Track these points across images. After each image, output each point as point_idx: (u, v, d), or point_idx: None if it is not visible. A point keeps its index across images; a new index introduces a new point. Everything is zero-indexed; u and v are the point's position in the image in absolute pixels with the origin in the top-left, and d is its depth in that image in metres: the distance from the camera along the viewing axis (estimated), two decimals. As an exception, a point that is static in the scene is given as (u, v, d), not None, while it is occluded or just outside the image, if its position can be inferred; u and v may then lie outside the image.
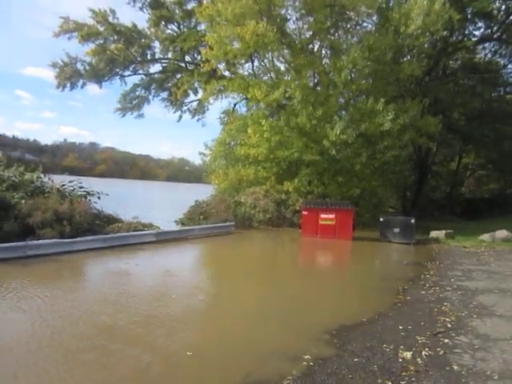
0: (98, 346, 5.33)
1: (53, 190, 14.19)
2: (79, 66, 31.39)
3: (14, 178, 13.86)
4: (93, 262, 11.13)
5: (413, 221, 17.31)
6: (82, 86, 32.67)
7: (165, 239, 14.48)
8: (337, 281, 10.65)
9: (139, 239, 13.47)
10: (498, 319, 7.01)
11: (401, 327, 6.47)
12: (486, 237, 17.99)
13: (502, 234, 17.94)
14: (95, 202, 15.33)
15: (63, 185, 15.08)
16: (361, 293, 9.14)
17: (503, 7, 26.65)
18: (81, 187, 15.49)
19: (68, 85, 31.88)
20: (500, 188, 39.69)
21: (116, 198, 21.96)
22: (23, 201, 12.33)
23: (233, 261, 13.00)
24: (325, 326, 6.44)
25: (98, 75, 32.17)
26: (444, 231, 19.04)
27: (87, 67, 31.49)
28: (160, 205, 35.36)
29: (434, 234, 19.22)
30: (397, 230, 17.29)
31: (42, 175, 15.17)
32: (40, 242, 10.67)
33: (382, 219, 17.95)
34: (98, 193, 15.79)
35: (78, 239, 11.50)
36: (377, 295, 8.87)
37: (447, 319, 6.92)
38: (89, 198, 15.31)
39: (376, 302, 8.15)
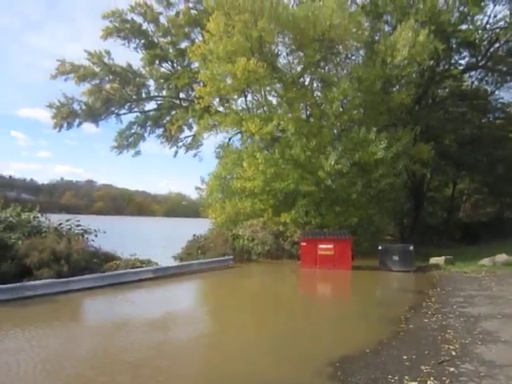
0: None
1: (50, 229, 14.16)
2: (76, 106, 32.04)
3: (11, 219, 13.82)
4: (89, 303, 10.99)
5: (411, 248, 17.28)
6: (79, 125, 33.30)
7: (163, 275, 14.33)
8: (338, 312, 10.51)
9: (137, 276, 13.33)
10: (503, 345, 6.92)
11: (405, 357, 6.37)
12: (486, 261, 17.91)
13: (501, 257, 17.87)
14: (92, 240, 15.25)
15: (60, 224, 15.03)
16: (363, 323, 9.02)
17: (486, 36, 27.51)
18: (78, 225, 15.43)
19: (65, 125, 32.35)
20: (497, 211, 39.78)
21: (114, 235, 21.88)
22: (20, 241, 12.28)
23: (232, 296, 12.83)
24: (327, 358, 6.34)
25: (95, 114, 32.75)
26: (444, 257, 18.94)
27: (83, 107, 32.10)
28: (158, 240, 35.18)
29: (433, 260, 19.13)
30: (396, 257, 17.22)
31: (38, 215, 15.16)
32: (37, 282, 10.55)
33: (380, 247, 17.91)
34: (95, 230, 15.73)
35: (75, 278, 11.39)
36: (379, 325, 8.74)
37: (451, 347, 6.83)
38: (86, 235, 15.26)
39: (379, 332, 8.03)
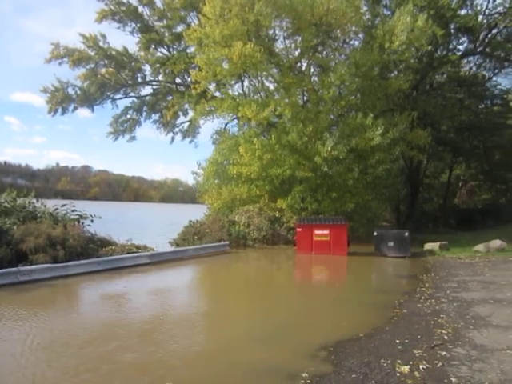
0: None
1: (45, 214, 14.12)
2: (70, 90, 31.58)
3: (6, 204, 13.78)
4: (85, 287, 10.99)
5: (407, 234, 17.37)
6: (74, 111, 32.85)
7: (159, 261, 14.38)
8: (332, 297, 10.57)
9: (133, 261, 13.38)
10: (495, 329, 6.99)
11: (398, 341, 6.43)
12: (480, 247, 18.05)
13: (495, 243, 18.03)
14: (88, 225, 15.21)
15: (56, 209, 14.99)
16: (357, 308, 9.09)
17: (485, 22, 27.29)
18: (73, 211, 15.39)
19: (59, 109, 31.99)
20: (492, 198, 40.00)
21: (110, 220, 21.87)
22: (15, 226, 12.25)
23: (228, 281, 12.94)
24: (321, 342, 6.40)
25: (90, 99, 32.36)
26: (438, 243, 19.10)
27: (78, 91, 31.67)
28: (154, 226, 35.25)
29: (428, 246, 19.28)
30: (391, 243, 17.33)
31: (34, 200, 15.09)
32: (32, 267, 10.58)
33: (376, 233, 18.00)
34: (91, 216, 15.71)
35: (71, 263, 11.42)
36: (373, 310, 8.82)
37: (444, 331, 6.90)
38: (82, 221, 15.23)
39: (372, 317, 8.11)
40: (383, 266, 16.11)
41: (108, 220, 19.48)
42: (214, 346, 6.58)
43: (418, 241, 20.19)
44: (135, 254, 13.97)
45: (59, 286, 10.37)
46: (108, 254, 13.80)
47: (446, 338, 6.58)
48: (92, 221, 15.53)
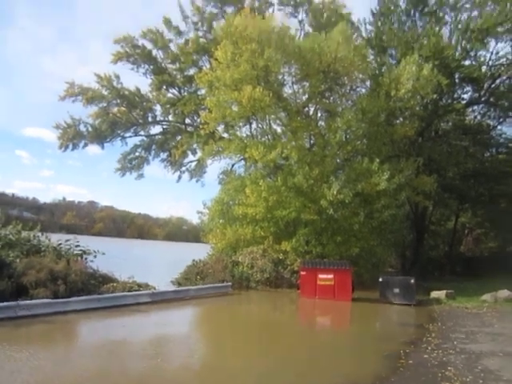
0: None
1: (49, 248, 14.11)
2: (82, 127, 32.30)
3: (10, 237, 13.79)
4: (84, 325, 10.81)
5: (412, 281, 17.05)
6: (84, 147, 33.58)
7: (160, 300, 14.15)
8: (336, 344, 10.27)
9: (134, 300, 13.20)
10: (505, 384, 6.75)
11: (404, 394, 6.21)
12: (487, 297, 17.64)
13: (503, 293, 17.61)
14: (91, 261, 15.14)
15: (60, 243, 14.99)
16: (361, 357, 8.85)
17: (488, 72, 27.97)
18: (77, 246, 15.37)
19: (70, 145, 32.60)
20: (499, 246, 39.45)
21: (113, 257, 21.71)
22: (18, 259, 12.21)
23: (229, 326, 12.59)
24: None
25: (100, 136, 33.05)
26: (445, 291, 18.71)
27: (90, 129, 32.37)
28: (157, 264, 34.94)
29: (434, 294, 18.88)
30: (397, 290, 16.98)
31: (39, 234, 15.12)
32: (32, 302, 10.45)
33: (381, 279, 17.68)
34: (95, 251, 15.66)
35: (71, 299, 11.26)
36: (378, 359, 8.54)
37: (452, 385, 6.66)
38: (85, 256, 15.18)
39: (377, 367, 7.85)
40: (388, 313, 15.75)
41: (111, 256, 19.34)
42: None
43: (424, 288, 19.81)
44: (136, 293, 13.79)
45: (57, 323, 10.17)
46: (109, 290, 13.62)
47: (453, 392, 6.34)
48: (95, 256, 15.48)
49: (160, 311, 13.19)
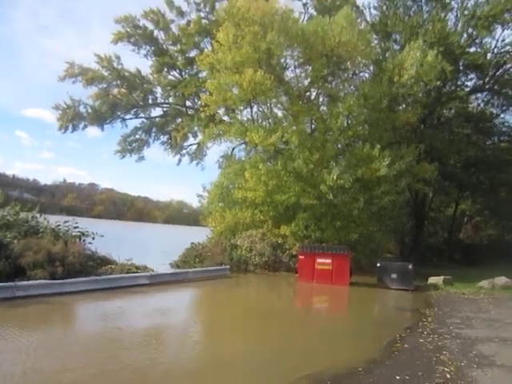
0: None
1: (47, 230, 14.09)
2: (82, 108, 32.01)
3: (8, 217, 13.77)
4: (81, 305, 10.86)
5: (410, 266, 17.11)
6: (84, 128, 33.33)
7: (158, 282, 14.19)
8: (332, 329, 10.31)
9: (132, 282, 13.22)
10: (499, 369, 6.78)
11: (398, 377, 6.22)
12: (485, 283, 17.74)
13: (501, 280, 17.71)
14: (89, 243, 15.15)
15: (58, 225, 14.97)
16: (357, 341, 8.88)
17: (493, 60, 27.64)
18: (75, 227, 15.37)
19: (70, 127, 32.38)
20: (498, 234, 39.55)
21: (112, 239, 21.77)
22: (16, 240, 12.20)
23: (225, 307, 12.66)
24: (319, 375, 6.21)
25: (100, 118, 32.79)
26: (442, 277, 18.80)
27: (90, 110, 32.11)
28: (156, 247, 35.04)
29: (432, 280, 18.97)
30: (394, 275, 17.06)
31: (37, 215, 15.09)
32: (29, 282, 10.47)
33: (379, 264, 17.74)
34: (93, 233, 15.68)
35: (69, 280, 11.28)
36: (374, 343, 8.59)
37: (446, 369, 6.68)
38: (83, 238, 15.19)
39: (373, 351, 7.88)
40: (385, 298, 15.82)
41: (110, 238, 19.37)
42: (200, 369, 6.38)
43: (422, 274, 19.87)
44: (134, 274, 13.82)
45: (53, 303, 10.18)
46: (107, 272, 13.65)
47: (448, 376, 6.37)
48: (93, 238, 15.50)
49: (158, 293, 13.21)
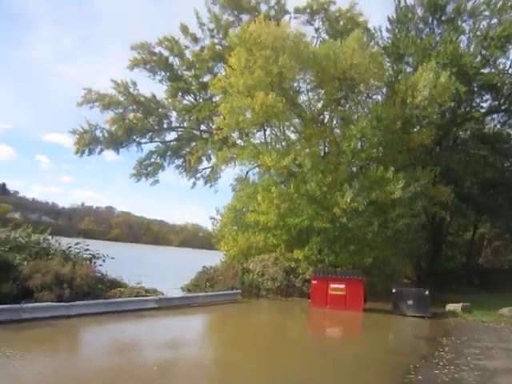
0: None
1: (57, 251, 14.09)
2: (98, 133, 32.56)
3: (20, 239, 13.83)
4: (87, 329, 10.69)
5: (427, 292, 16.57)
6: (100, 153, 33.70)
7: (167, 306, 13.97)
8: (344, 358, 9.89)
9: (140, 305, 13.03)
10: (519, 404, 6.35)
11: (410, 411, 5.87)
12: (505, 311, 17.03)
13: (522, 308, 16.99)
14: (100, 265, 15.09)
15: (69, 247, 14.97)
16: (369, 371, 8.48)
17: (508, 80, 27.36)
18: (86, 250, 15.36)
19: (86, 151, 32.89)
20: (519, 258, 38.38)
21: (125, 262, 21.71)
22: (25, 262, 12.19)
23: (235, 335, 12.23)
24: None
25: (116, 142, 33.29)
26: (461, 304, 18.11)
27: (106, 134, 32.66)
28: (170, 270, 34.81)
29: (450, 306, 18.29)
30: (410, 301, 16.51)
31: (49, 237, 15.15)
32: (35, 305, 10.38)
33: (394, 290, 17.22)
34: (104, 256, 15.63)
35: (76, 303, 11.15)
36: (386, 373, 8.22)
37: (462, 404, 6.29)
38: (94, 260, 15.15)
39: (384, 382, 7.52)
40: (401, 325, 15.30)
41: (124, 261, 19.32)
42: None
43: (440, 300, 19.19)
44: (142, 298, 13.63)
45: (58, 327, 10.05)
46: (116, 295, 13.51)
47: (463, 411, 5.98)
48: (104, 261, 15.44)
49: (165, 318, 12.98)
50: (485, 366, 8.76)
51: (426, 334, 13.46)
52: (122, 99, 32.33)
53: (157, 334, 10.83)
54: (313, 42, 28.34)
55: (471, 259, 35.99)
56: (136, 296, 13.80)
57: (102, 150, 33.62)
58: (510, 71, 27.29)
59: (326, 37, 29.75)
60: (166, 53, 32.48)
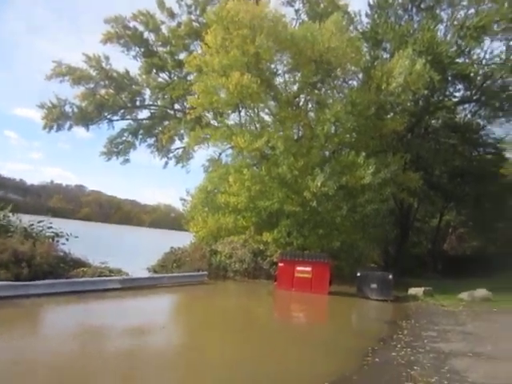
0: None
1: (18, 229, 13.65)
2: (67, 108, 31.48)
3: (-23, 216, 13.34)
4: (44, 310, 10.44)
5: (390, 276, 16.90)
6: (69, 129, 32.66)
7: (131, 286, 13.77)
8: (305, 339, 9.96)
9: (102, 285, 12.78)
10: (469, 387, 6.53)
11: (363, 394, 5.95)
12: (465, 295, 17.51)
13: (481, 293, 17.46)
14: (63, 244, 14.73)
15: (31, 224, 14.55)
16: (328, 353, 8.57)
17: (481, 71, 27.75)
18: (50, 227, 14.96)
19: (55, 126, 31.80)
20: (481, 246, 39.60)
21: (94, 242, 21.27)
22: (-19, 240, 11.77)
23: (198, 317, 12.19)
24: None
25: (86, 118, 32.26)
26: (423, 288, 18.54)
27: (75, 110, 31.62)
28: (138, 251, 34.41)
29: (412, 291, 18.71)
30: (374, 285, 16.83)
31: (9, 214, 14.65)
32: (-10, 284, 10.05)
33: (359, 274, 17.49)
34: (68, 234, 15.27)
35: (34, 282, 10.82)
36: (345, 356, 8.32)
37: (415, 386, 6.42)
38: (57, 239, 14.78)
39: (342, 364, 7.62)
40: (363, 308, 15.60)
41: (93, 241, 18.92)
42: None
43: (404, 284, 19.63)
44: (106, 278, 13.40)
45: (15, 307, 9.78)
46: (79, 275, 13.24)
47: (416, 393, 6.11)
48: (67, 239, 15.09)
49: (128, 299, 12.78)
50: (440, 349, 8.98)
51: (386, 318, 13.71)
52: (93, 74, 31.35)
53: (116, 315, 10.66)
54: (292, 24, 27.90)
55: (436, 245, 36.95)
56: (99, 276, 13.54)
57: (71, 126, 32.58)
58: (483, 62, 27.60)
59: (306, 19, 29.33)
60: (140, 28, 31.66)
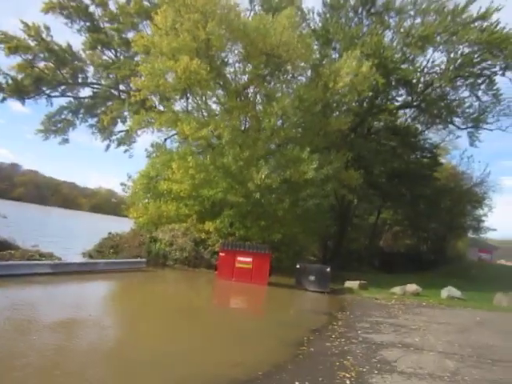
0: None
1: None
2: (1, 78, 29.31)
3: None
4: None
5: (328, 269, 17.35)
6: (2, 101, 30.45)
7: (63, 272, 13.05)
8: (241, 329, 9.90)
9: (31, 270, 11.99)
10: (398, 376, 6.77)
11: (297, 383, 5.97)
12: (397, 289, 18.44)
13: (411, 287, 18.54)
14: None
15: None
16: (263, 342, 8.59)
17: (422, 79, 29.09)
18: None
19: (-15, 97, 29.51)
20: (414, 244, 41.92)
21: (25, 223, 19.99)
22: None
23: (130, 302, 11.89)
24: (216, 380, 5.80)
25: (22, 91, 30.16)
26: (358, 282, 19.30)
27: (10, 81, 29.48)
28: (76, 236, 32.94)
29: (348, 284, 19.41)
30: (312, 277, 17.21)
31: None
32: None
33: (298, 266, 17.83)
34: (-5, 214, 14.23)
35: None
36: (280, 346, 8.36)
37: (347, 375, 6.55)
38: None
39: (277, 354, 7.64)
40: (301, 299, 15.86)
41: (25, 223, 17.73)
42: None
43: (341, 278, 20.26)
44: (34, 262, 12.61)
45: None
46: (5, 258, 12.34)
47: (347, 382, 6.23)
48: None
49: (58, 284, 12.11)
50: (372, 340, 9.30)
51: (322, 309, 14.03)
52: (32, 44, 29.24)
53: (44, 301, 10.02)
54: (246, 14, 27.63)
55: (373, 242, 38.56)
56: (28, 259, 12.71)
57: (4, 99, 30.40)
58: (425, 70, 28.91)
59: (260, 11, 29.15)
60: (86, 0, 29.83)
